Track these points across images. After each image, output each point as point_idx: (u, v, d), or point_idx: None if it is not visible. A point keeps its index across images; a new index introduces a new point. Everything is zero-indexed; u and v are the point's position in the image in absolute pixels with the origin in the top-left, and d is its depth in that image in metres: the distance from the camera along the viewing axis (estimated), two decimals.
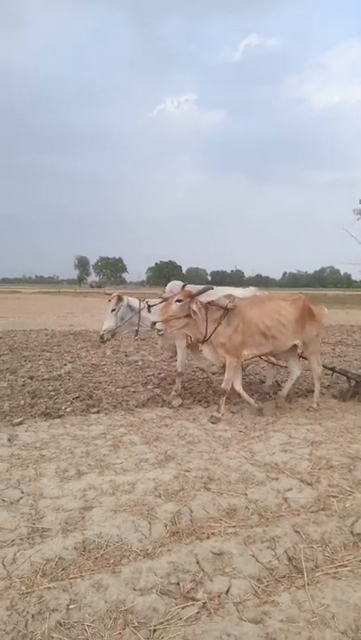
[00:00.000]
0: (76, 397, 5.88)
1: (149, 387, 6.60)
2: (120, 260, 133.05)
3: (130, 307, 5.93)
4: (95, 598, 2.17)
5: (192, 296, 4.93)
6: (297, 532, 2.79)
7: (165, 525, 2.84)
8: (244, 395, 5.31)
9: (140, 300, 6.02)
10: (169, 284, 6.19)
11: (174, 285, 6.03)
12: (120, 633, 1.99)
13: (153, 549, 2.60)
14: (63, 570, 2.41)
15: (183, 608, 2.15)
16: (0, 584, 2.28)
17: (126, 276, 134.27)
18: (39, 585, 2.26)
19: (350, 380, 6.24)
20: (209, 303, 5.05)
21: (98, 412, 5.33)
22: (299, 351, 5.84)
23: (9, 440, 4.33)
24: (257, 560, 2.52)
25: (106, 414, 5.28)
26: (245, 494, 3.28)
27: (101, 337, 5.89)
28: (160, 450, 4.11)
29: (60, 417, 5.16)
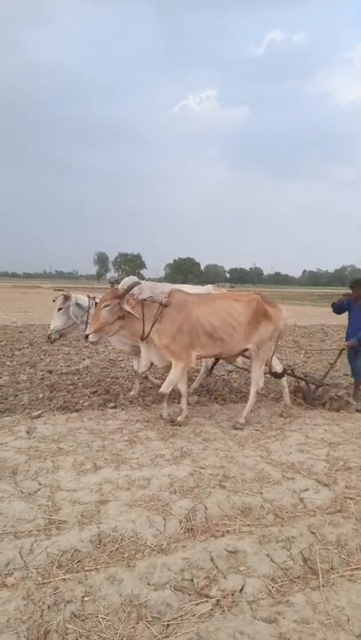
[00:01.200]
0: (94, 392, 5.93)
1: None
2: (139, 257, 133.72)
3: (78, 305, 5.68)
4: (110, 591, 2.19)
5: (120, 296, 4.60)
6: (313, 533, 2.77)
7: (180, 522, 2.85)
8: (184, 401, 4.99)
9: (88, 297, 5.76)
10: (123, 280, 5.73)
11: (129, 281, 5.62)
12: (133, 627, 2.01)
13: (167, 545, 2.61)
14: (79, 562, 2.44)
15: (197, 604, 2.15)
16: (17, 574, 2.32)
17: (145, 273, 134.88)
18: (55, 576, 2.29)
19: (309, 385, 5.93)
20: (145, 300, 4.76)
21: (115, 407, 5.37)
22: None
23: (27, 432, 4.39)
24: (272, 560, 2.51)
25: (122, 409, 5.31)
26: (261, 493, 3.26)
27: (49, 337, 5.67)
28: (176, 446, 4.12)
29: (77, 411, 5.21)
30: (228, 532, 2.77)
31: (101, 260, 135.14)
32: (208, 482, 3.40)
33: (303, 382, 6.07)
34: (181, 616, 2.08)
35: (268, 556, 2.54)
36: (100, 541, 2.62)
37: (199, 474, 3.52)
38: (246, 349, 4.97)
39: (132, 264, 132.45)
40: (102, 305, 4.64)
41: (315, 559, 2.54)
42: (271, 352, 5.17)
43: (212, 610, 2.12)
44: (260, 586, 2.31)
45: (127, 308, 4.60)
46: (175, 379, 4.80)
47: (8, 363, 7.70)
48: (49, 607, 2.08)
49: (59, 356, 8.40)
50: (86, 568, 2.38)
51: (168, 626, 2.02)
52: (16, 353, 8.61)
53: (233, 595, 2.22)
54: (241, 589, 2.27)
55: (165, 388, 4.80)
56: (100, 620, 2.03)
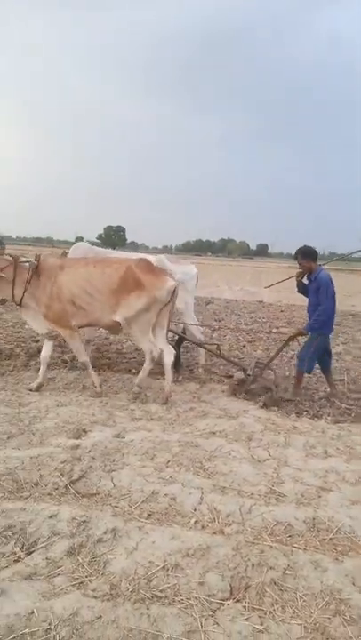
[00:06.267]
0: (341, 379, 5.74)
1: None
2: None
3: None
4: (312, 575, 2.20)
5: None
6: None
7: None
8: (90, 369, 4.72)
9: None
10: (74, 246, 5.73)
11: (79, 247, 5.61)
12: (330, 619, 1.97)
13: None
14: (289, 537, 2.51)
15: None
16: (234, 527, 2.57)
17: None
18: (264, 541, 2.44)
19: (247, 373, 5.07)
20: (17, 262, 4.59)
21: None
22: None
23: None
24: None
25: None
26: None
27: None
28: None
29: None
30: None
31: None
32: None
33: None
34: None
35: None
36: (314, 526, 2.62)
37: None
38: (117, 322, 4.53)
39: None
40: None
41: None
42: (149, 325, 4.57)
43: None
44: None
45: None
46: (77, 346, 4.71)
47: (264, 337, 8.20)
48: (253, 566, 2.24)
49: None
50: (295, 545, 2.44)
51: None
52: (273, 330, 9.05)
53: None
54: None
55: (80, 357, 4.75)
56: (298, 597, 2.07)
